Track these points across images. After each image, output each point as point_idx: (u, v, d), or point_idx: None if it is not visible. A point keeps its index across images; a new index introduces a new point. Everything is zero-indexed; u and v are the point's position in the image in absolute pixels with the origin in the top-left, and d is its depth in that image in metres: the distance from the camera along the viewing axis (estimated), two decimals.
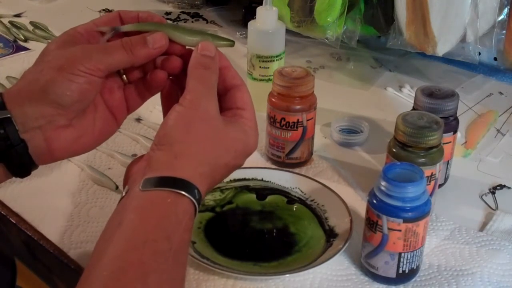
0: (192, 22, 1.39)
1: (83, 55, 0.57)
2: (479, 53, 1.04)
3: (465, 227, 0.76)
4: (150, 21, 0.63)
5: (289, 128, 0.84)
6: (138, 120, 0.98)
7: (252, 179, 0.82)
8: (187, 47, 0.62)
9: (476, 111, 1.03)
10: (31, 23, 1.33)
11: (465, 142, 0.94)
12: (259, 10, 0.96)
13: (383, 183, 0.64)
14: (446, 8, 0.98)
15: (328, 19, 1.07)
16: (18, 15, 1.38)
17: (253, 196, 0.80)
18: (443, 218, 0.78)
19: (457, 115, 0.81)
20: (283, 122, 0.84)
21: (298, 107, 0.83)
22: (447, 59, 1.11)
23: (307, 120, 0.84)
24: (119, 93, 0.63)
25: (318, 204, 0.78)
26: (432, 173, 0.73)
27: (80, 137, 0.60)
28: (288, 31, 1.01)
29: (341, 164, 0.89)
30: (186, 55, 0.61)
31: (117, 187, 0.82)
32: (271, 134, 0.86)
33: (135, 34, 0.61)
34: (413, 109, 0.80)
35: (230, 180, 0.81)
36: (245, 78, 0.98)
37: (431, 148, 0.72)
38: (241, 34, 1.29)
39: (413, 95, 0.87)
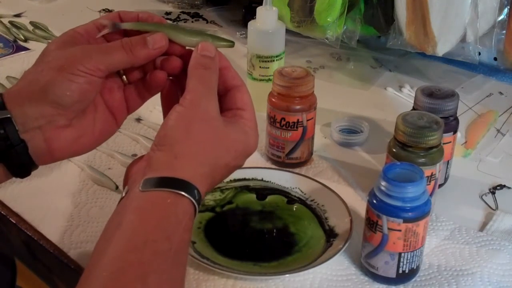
0: (192, 22, 1.39)
1: (83, 55, 0.57)
2: (479, 53, 1.04)
3: (465, 227, 0.76)
4: (150, 21, 0.63)
5: (289, 128, 0.84)
6: (138, 120, 0.98)
7: (252, 179, 0.82)
8: (187, 47, 0.62)
9: (476, 111, 1.03)
10: (31, 23, 1.33)
11: (465, 142, 0.94)
12: (259, 10, 0.96)
13: (383, 183, 0.64)
14: (446, 8, 0.98)
15: (328, 19, 1.07)
16: (18, 15, 1.38)
17: (253, 196, 0.80)
18: (443, 218, 0.78)
19: (457, 115, 0.81)
20: (283, 122, 0.84)
21: (298, 107, 0.83)
22: (447, 59, 1.11)
23: (307, 120, 0.84)
24: (119, 94, 0.63)
25: (318, 204, 0.78)
26: (432, 173, 0.73)
27: (80, 137, 0.60)
28: (288, 31, 1.01)
29: (341, 164, 0.89)
30: (186, 56, 0.61)
31: (117, 187, 0.82)
32: (271, 134, 0.86)
33: (135, 34, 0.61)
34: (413, 109, 0.80)
35: (230, 180, 0.81)
36: (245, 78, 0.98)
37: (431, 148, 0.72)
38: (241, 34, 1.29)
39: (413, 95, 0.87)
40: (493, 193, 0.83)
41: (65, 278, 0.74)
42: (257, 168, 0.84)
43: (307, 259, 0.70)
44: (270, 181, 0.82)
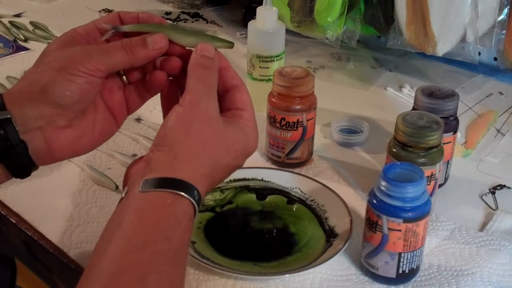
0: (192, 22, 1.39)
1: (83, 56, 0.57)
2: (479, 53, 1.04)
3: (465, 227, 0.76)
4: (150, 22, 0.63)
5: (289, 128, 0.84)
6: (138, 120, 0.98)
7: (252, 179, 0.82)
8: (186, 48, 0.62)
9: (476, 111, 1.03)
10: (31, 23, 1.33)
11: (465, 142, 0.94)
12: (259, 10, 0.96)
13: (383, 183, 0.64)
14: (446, 8, 0.98)
15: (328, 19, 1.07)
16: (18, 15, 1.38)
17: (253, 196, 0.80)
18: (443, 218, 0.78)
19: (457, 115, 0.81)
20: (283, 122, 0.84)
21: (298, 107, 0.83)
22: (447, 59, 1.11)
23: (307, 120, 0.84)
24: (119, 94, 0.63)
25: (318, 204, 0.78)
26: (432, 173, 0.73)
27: (80, 137, 0.60)
28: (288, 31, 1.01)
29: (341, 164, 0.89)
30: (185, 56, 0.61)
31: (117, 187, 0.82)
32: (271, 134, 0.86)
33: (135, 35, 0.61)
34: (413, 109, 0.80)
35: (230, 180, 0.81)
36: (245, 78, 0.98)
37: (431, 148, 0.72)
38: (241, 34, 1.29)
39: (413, 95, 0.87)
40: (493, 193, 0.83)
41: (65, 278, 0.74)
42: (257, 168, 0.84)
43: (307, 259, 0.70)
44: (270, 181, 0.82)
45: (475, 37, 1.00)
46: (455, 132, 0.81)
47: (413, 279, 0.68)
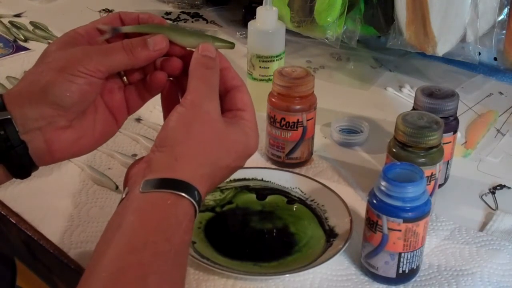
0: (192, 22, 1.39)
1: (83, 56, 0.57)
2: (479, 53, 1.04)
3: (465, 227, 0.76)
4: (150, 22, 0.63)
5: (289, 128, 0.84)
6: (138, 120, 0.98)
7: (252, 179, 0.82)
8: (187, 48, 0.62)
9: (476, 111, 1.03)
10: (31, 23, 1.33)
11: (465, 142, 0.94)
12: (259, 10, 0.96)
13: (383, 183, 0.64)
14: (446, 8, 0.98)
15: (328, 19, 1.07)
16: (18, 15, 1.38)
17: (253, 196, 0.80)
18: (443, 218, 0.78)
19: (457, 115, 0.81)
20: (283, 122, 0.84)
21: (298, 107, 0.83)
22: (447, 59, 1.11)
23: (307, 120, 0.84)
24: (119, 94, 0.63)
25: (318, 204, 0.78)
26: (432, 173, 0.73)
27: (80, 138, 0.60)
28: (288, 31, 1.01)
29: (341, 164, 0.89)
30: (186, 57, 0.61)
31: (117, 187, 0.82)
32: (271, 134, 0.86)
33: (136, 36, 0.61)
34: (413, 109, 0.80)
35: (230, 180, 0.81)
36: (245, 78, 0.98)
37: (431, 148, 0.72)
38: (241, 34, 1.29)
39: (413, 95, 0.87)
40: (493, 193, 0.83)
41: (65, 278, 0.74)
42: (257, 168, 0.84)
43: (307, 259, 0.70)
44: (270, 181, 0.82)
45: (475, 37, 1.00)
46: (455, 132, 0.81)
47: (413, 279, 0.68)
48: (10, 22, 1.33)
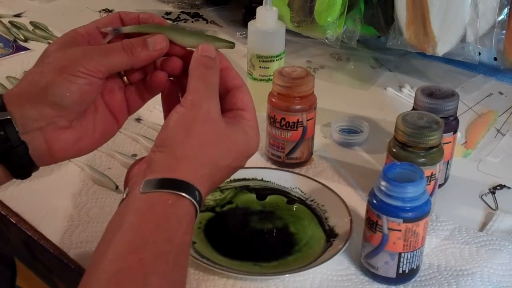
0: (192, 22, 1.39)
1: (83, 57, 0.57)
2: (479, 53, 1.04)
3: (465, 227, 0.76)
4: (150, 22, 0.63)
5: (289, 128, 0.84)
6: (138, 120, 0.98)
7: (252, 179, 0.82)
8: (187, 48, 0.62)
9: (476, 111, 1.03)
10: (31, 23, 1.33)
11: (465, 142, 0.94)
12: (259, 10, 0.96)
13: (383, 183, 0.64)
14: (446, 8, 0.98)
15: (328, 19, 1.07)
16: (18, 15, 1.38)
17: (253, 196, 0.80)
18: (443, 218, 0.78)
19: (457, 115, 0.81)
20: (283, 122, 0.84)
21: (298, 107, 0.83)
22: (447, 59, 1.11)
23: (307, 120, 0.84)
24: (119, 95, 0.63)
25: (318, 204, 0.78)
26: (432, 173, 0.73)
27: (81, 138, 0.60)
28: (288, 31, 1.01)
29: (341, 164, 0.89)
30: (186, 57, 0.61)
31: (117, 187, 0.82)
32: (271, 134, 0.86)
33: (136, 36, 0.61)
34: (413, 109, 0.80)
35: (230, 180, 0.81)
36: (245, 78, 0.98)
37: (431, 148, 0.72)
38: (241, 34, 1.29)
39: (413, 95, 0.87)
40: (493, 193, 0.83)
41: (65, 278, 0.74)
42: (257, 168, 0.84)
43: (307, 259, 0.70)
44: (270, 181, 0.82)
45: (475, 37, 1.00)
46: (455, 132, 0.81)
47: (413, 279, 0.68)
48: (10, 22, 1.33)
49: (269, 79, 0.95)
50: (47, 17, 1.36)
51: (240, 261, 0.70)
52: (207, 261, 0.68)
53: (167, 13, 1.43)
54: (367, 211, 0.66)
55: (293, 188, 0.81)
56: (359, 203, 0.79)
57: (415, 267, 0.67)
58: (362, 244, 0.68)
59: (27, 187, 0.81)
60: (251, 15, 1.02)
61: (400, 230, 0.64)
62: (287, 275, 0.68)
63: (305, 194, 0.80)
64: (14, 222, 0.77)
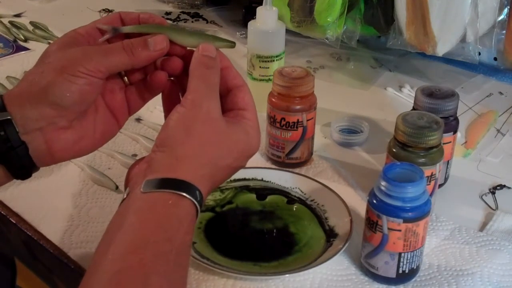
0: (192, 22, 1.39)
1: (83, 57, 0.57)
2: (479, 53, 1.04)
3: (465, 227, 0.76)
4: (151, 22, 0.63)
5: (289, 128, 0.84)
6: (138, 120, 0.98)
7: (252, 179, 0.82)
8: (188, 48, 0.62)
9: (476, 111, 1.03)
10: (31, 23, 1.33)
11: (465, 142, 0.94)
12: (259, 10, 0.96)
13: (383, 183, 0.64)
14: (446, 8, 0.98)
15: (328, 19, 1.07)
16: (18, 15, 1.38)
17: (253, 196, 0.80)
18: (443, 218, 0.78)
19: (457, 115, 0.81)
20: (283, 122, 0.84)
21: (298, 107, 0.83)
22: (447, 59, 1.11)
23: (307, 120, 0.84)
24: (120, 95, 0.63)
25: (318, 204, 0.78)
26: (432, 173, 0.73)
27: (81, 138, 0.60)
28: (288, 31, 1.01)
29: (341, 164, 0.89)
30: (186, 57, 0.61)
31: (117, 187, 0.82)
32: (271, 134, 0.86)
33: (136, 36, 0.61)
34: (413, 109, 0.80)
35: (230, 180, 0.81)
36: (245, 78, 0.98)
37: (431, 148, 0.72)
38: (241, 34, 1.29)
39: (413, 95, 0.87)
40: (493, 193, 0.83)
41: (65, 278, 0.74)
42: (257, 168, 0.84)
43: (307, 259, 0.70)
44: (270, 181, 0.82)
45: (475, 37, 1.00)
46: (455, 132, 0.81)
47: (413, 279, 0.68)
48: (10, 22, 1.33)
49: (269, 79, 0.95)
50: (47, 17, 1.36)
51: (240, 261, 0.70)
52: (207, 261, 0.68)
53: (167, 13, 1.43)
54: (367, 211, 0.66)
55: (293, 188, 0.81)
56: (359, 203, 0.79)
57: (415, 267, 0.67)
58: (362, 244, 0.68)
59: (27, 187, 0.81)
60: (251, 15, 1.02)
61: (400, 230, 0.64)
62: (287, 275, 0.68)
63: (305, 194, 0.80)
64: (14, 222, 0.77)
